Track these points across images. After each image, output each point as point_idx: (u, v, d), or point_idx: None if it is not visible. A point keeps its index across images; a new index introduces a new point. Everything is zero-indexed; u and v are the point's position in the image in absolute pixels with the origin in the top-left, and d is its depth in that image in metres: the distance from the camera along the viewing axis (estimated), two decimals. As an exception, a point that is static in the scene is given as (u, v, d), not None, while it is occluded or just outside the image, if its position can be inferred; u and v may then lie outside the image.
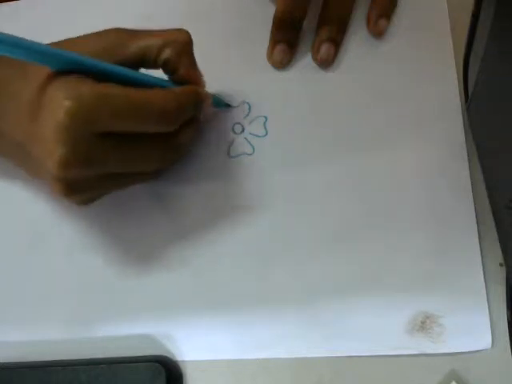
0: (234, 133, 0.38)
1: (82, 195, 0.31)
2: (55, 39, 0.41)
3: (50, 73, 0.28)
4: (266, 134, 0.37)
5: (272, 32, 0.38)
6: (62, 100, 0.27)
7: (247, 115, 0.38)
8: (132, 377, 0.33)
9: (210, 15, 0.40)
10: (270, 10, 0.37)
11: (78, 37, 0.32)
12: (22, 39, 0.26)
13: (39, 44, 0.27)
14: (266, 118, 0.38)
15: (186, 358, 0.34)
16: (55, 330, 0.36)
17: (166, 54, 0.31)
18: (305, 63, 0.38)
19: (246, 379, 0.34)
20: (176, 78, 0.33)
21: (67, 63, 0.28)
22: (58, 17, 0.42)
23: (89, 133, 0.28)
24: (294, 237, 0.35)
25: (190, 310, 0.35)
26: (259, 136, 0.37)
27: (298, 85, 0.38)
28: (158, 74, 0.33)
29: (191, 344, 0.34)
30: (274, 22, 0.37)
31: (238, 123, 0.38)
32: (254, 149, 0.37)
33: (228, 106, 0.38)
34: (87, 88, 0.28)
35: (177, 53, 0.32)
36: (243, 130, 0.38)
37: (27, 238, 0.38)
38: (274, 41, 0.38)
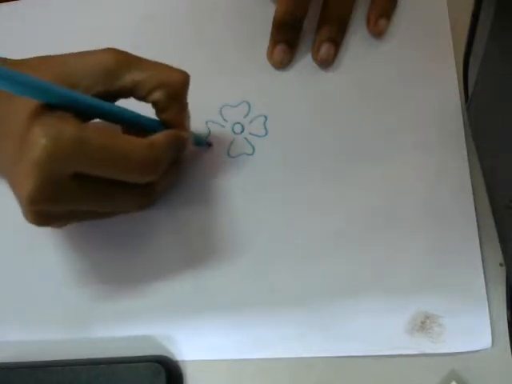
0: (234, 133, 0.38)
1: (50, 225, 0.31)
2: (55, 39, 0.41)
3: (37, 106, 0.28)
4: (266, 133, 0.37)
5: (272, 32, 0.38)
6: (39, 137, 0.27)
7: (247, 115, 0.38)
8: (132, 377, 0.33)
9: (210, 15, 0.40)
10: (270, 10, 0.37)
11: (70, 54, 0.31)
12: (7, 70, 0.25)
13: (26, 76, 0.26)
14: (265, 117, 0.38)
15: (186, 358, 0.34)
16: (55, 330, 0.36)
17: (157, 96, 0.31)
18: (305, 63, 0.38)
19: (245, 379, 0.34)
20: (162, 118, 0.32)
21: (54, 97, 0.28)
22: (58, 17, 0.42)
23: (61, 173, 0.28)
24: (294, 237, 0.35)
25: (190, 311, 0.35)
26: (259, 136, 0.37)
27: (298, 85, 0.38)
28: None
29: (191, 344, 0.34)
30: (274, 22, 0.37)
31: (238, 123, 0.38)
32: (254, 149, 0.37)
33: (209, 145, 0.37)
34: (67, 129, 0.27)
35: (168, 97, 0.31)
36: (243, 130, 0.38)
37: (27, 238, 0.38)
38: (274, 41, 0.38)
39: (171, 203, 0.37)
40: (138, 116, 0.32)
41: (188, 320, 0.35)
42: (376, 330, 0.32)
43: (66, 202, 0.29)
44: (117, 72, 0.30)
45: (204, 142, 0.37)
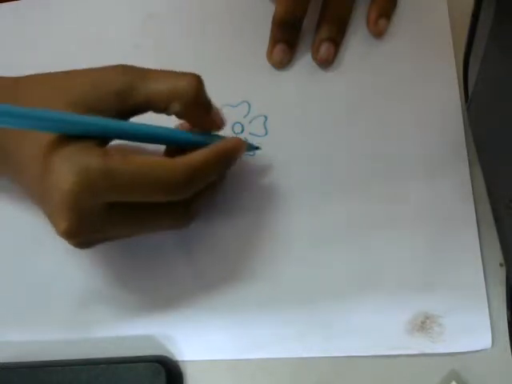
0: (234, 133, 0.38)
1: (87, 248, 0.31)
2: (55, 39, 0.41)
3: (55, 138, 0.27)
4: (266, 133, 0.37)
5: (272, 32, 0.38)
6: (67, 174, 0.26)
7: (247, 115, 0.38)
8: (132, 377, 0.33)
9: (209, 15, 0.40)
10: (270, 10, 0.37)
11: (77, 74, 0.30)
12: (20, 109, 0.25)
13: (40, 111, 0.25)
14: (265, 117, 0.38)
15: (186, 358, 0.34)
16: (55, 330, 0.36)
17: (173, 108, 0.30)
18: (305, 63, 0.38)
19: (245, 379, 0.34)
20: (191, 125, 0.32)
21: (72, 128, 0.27)
22: (58, 17, 0.42)
23: (93, 206, 0.27)
24: (294, 236, 0.35)
25: (190, 310, 0.35)
26: (259, 136, 0.37)
27: (298, 85, 0.38)
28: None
29: (191, 344, 0.34)
30: (273, 22, 0.37)
31: (238, 123, 0.38)
32: (254, 149, 0.37)
33: (257, 148, 0.36)
34: (93, 161, 0.27)
35: (185, 108, 0.30)
36: (243, 130, 0.38)
37: (27, 238, 0.38)
38: (274, 41, 0.38)
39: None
40: (171, 131, 0.31)
41: (188, 320, 0.35)
42: (376, 330, 0.33)
43: (102, 231, 0.29)
44: (128, 92, 0.29)
45: (253, 147, 0.36)
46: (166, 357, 0.34)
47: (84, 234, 0.29)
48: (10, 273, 0.38)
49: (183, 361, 0.34)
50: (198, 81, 0.30)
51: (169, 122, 0.32)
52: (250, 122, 0.38)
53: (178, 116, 0.30)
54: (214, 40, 0.39)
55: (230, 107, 0.38)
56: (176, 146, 0.32)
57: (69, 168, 0.27)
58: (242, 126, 0.38)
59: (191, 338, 0.34)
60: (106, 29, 0.41)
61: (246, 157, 0.37)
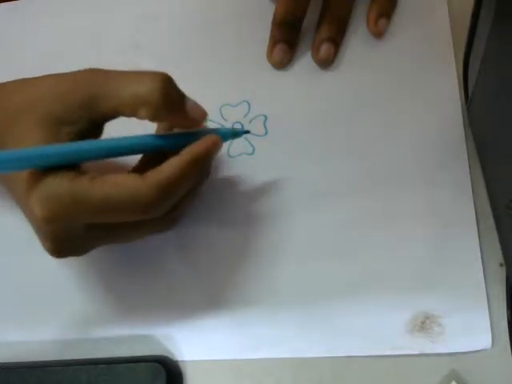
0: (234, 132, 0.38)
1: (81, 255, 0.32)
2: (55, 39, 0.41)
3: (28, 174, 0.27)
4: (266, 133, 0.37)
5: (272, 32, 0.38)
6: (39, 202, 0.27)
7: (247, 114, 0.38)
8: (132, 377, 0.33)
9: (209, 15, 0.40)
10: (270, 10, 0.37)
11: (47, 81, 0.30)
12: None
13: (6, 153, 0.26)
14: (265, 117, 0.38)
15: (186, 358, 0.34)
16: (55, 329, 0.36)
17: (143, 114, 0.28)
18: (305, 63, 0.38)
19: (246, 379, 0.34)
20: (165, 129, 0.31)
21: (40, 161, 0.27)
22: (58, 17, 0.42)
23: (71, 227, 0.28)
24: (294, 236, 0.35)
25: (190, 310, 0.35)
26: (259, 136, 0.37)
27: (298, 85, 0.38)
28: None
29: (191, 344, 0.34)
30: (273, 22, 0.37)
31: (238, 122, 0.38)
32: (254, 149, 0.37)
33: (247, 132, 0.35)
34: (61, 188, 0.27)
35: (153, 110, 0.28)
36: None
37: (28, 238, 0.38)
38: (274, 40, 0.38)
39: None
40: (145, 138, 0.29)
41: (188, 320, 0.35)
42: (376, 330, 0.33)
43: (84, 246, 0.31)
44: (93, 102, 0.28)
45: (241, 132, 0.34)
46: (166, 357, 0.34)
47: (68, 252, 0.30)
48: (9, 273, 0.38)
49: (183, 361, 0.34)
50: (162, 81, 0.28)
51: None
52: (250, 122, 0.38)
53: (150, 120, 0.29)
54: (213, 40, 0.39)
55: (229, 107, 0.38)
56: (153, 153, 0.31)
57: (40, 197, 0.27)
58: (242, 125, 0.38)
59: (191, 338, 0.34)
60: (106, 29, 0.41)
61: (246, 157, 0.37)
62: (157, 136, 0.30)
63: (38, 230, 0.29)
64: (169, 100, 0.28)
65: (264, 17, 0.38)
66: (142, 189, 0.27)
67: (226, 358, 0.34)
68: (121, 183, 0.27)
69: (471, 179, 0.34)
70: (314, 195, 0.35)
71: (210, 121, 0.38)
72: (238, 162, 0.37)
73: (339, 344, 0.33)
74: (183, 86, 0.30)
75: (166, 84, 0.28)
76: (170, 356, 0.34)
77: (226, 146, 0.37)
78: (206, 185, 0.35)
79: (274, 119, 0.37)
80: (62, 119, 0.28)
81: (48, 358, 0.35)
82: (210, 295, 0.35)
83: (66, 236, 0.29)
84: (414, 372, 0.32)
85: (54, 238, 0.29)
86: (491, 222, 0.32)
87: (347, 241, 0.34)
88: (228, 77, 0.38)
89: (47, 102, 0.28)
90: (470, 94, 0.32)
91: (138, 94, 0.28)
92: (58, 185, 0.27)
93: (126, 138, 0.29)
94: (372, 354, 0.32)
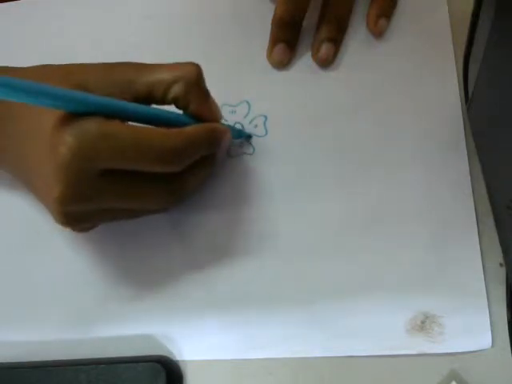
0: (234, 132, 0.38)
1: (81, 225, 0.32)
2: (55, 39, 0.41)
3: (62, 115, 0.28)
4: (266, 133, 0.37)
5: (272, 32, 0.38)
6: (65, 136, 0.27)
7: (247, 115, 0.38)
8: (132, 377, 0.33)
9: (209, 15, 0.40)
10: (270, 10, 0.37)
11: (88, 64, 0.31)
12: (30, 84, 0.25)
13: (48, 87, 0.26)
14: (265, 117, 0.38)
15: (186, 358, 0.34)
16: (55, 329, 0.36)
17: (174, 91, 0.31)
18: (305, 63, 0.38)
19: (246, 379, 0.34)
20: (188, 113, 0.32)
21: (78, 105, 0.27)
22: (58, 16, 0.42)
23: (89, 170, 0.28)
24: (294, 237, 0.35)
25: (190, 310, 0.35)
26: (259, 136, 0.37)
27: (298, 85, 0.38)
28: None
29: (191, 344, 0.34)
30: (273, 22, 0.37)
31: (238, 123, 0.38)
32: (254, 149, 0.37)
33: (249, 136, 0.37)
34: (92, 126, 0.27)
35: (185, 90, 0.31)
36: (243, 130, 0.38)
37: (27, 238, 0.38)
38: (274, 41, 0.38)
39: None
40: (169, 113, 0.32)
41: (188, 320, 0.35)
42: (376, 330, 0.33)
43: (94, 200, 0.30)
44: (131, 79, 0.30)
45: (245, 134, 0.37)
46: (166, 357, 0.34)
47: (76, 201, 0.29)
48: (9, 273, 0.38)
49: (183, 361, 0.34)
50: (197, 67, 0.31)
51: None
52: (250, 122, 0.38)
53: (180, 101, 0.31)
54: (213, 40, 0.39)
55: (229, 107, 0.38)
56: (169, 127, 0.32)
57: (69, 132, 0.27)
58: (242, 125, 0.38)
59: (191, 338, 0.34)
60: (106, 29, 0.41)
61: (246, 156, 0.37)
62: (183, 114, 0.32)
63: (54, 169, 0.28)
64: (202, 82, 0.32)
65: (264, 17, 0.38)
66: (171, 135, 0.30)
67: (226, 357, 0.34)
68: (151, 128, 0.30)
69: (471, 179, 0.34)
70: (315, 195, 0.35)
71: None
72: (238, 162, 0.37)
73: (339, 344, 0.33)
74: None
75: (201, 70, 0.31)
76: (170, 356, 0.34)
77: (226, 145, 0.37)
78: (206, 184, 0.36)
79: (274, 119, 0.37)
80: (92, 91, 0.29)
81: (48, 358, 0.35)
82: (211, 295, 0.35)
83: (81, 179, 0.28)
84: (413, 372, 0.32)
85: (70, 177, 0.28)
86: (491, 222, 0.32)
87: (347, 241, 0.34)
88: (228, 77, 0.38)
89: (81, 75, 0.30)
90: (470, 94, 0.32)
91: (177, 71, 0.31)
92: (90, 122, 0.28)
93: (159, 109, 0.31)
94: (372, 354, 0.32)
